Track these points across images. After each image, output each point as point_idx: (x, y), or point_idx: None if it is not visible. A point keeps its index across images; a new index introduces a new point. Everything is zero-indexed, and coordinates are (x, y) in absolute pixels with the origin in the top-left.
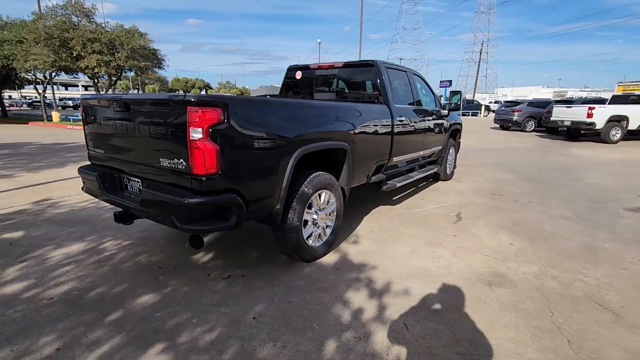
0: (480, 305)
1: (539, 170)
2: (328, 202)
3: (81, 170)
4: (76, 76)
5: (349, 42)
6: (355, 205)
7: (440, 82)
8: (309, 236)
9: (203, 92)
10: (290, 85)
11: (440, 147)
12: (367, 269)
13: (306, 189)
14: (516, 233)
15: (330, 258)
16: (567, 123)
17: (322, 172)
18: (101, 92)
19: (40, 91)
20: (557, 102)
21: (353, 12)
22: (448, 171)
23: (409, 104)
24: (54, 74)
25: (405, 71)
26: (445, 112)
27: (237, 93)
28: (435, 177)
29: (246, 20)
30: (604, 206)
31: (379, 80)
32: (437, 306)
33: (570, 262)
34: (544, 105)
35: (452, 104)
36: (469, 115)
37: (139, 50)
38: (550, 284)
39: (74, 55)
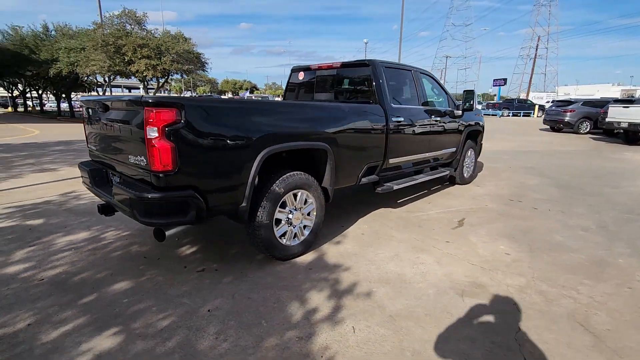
0: (443, 315)
1: (578, 175)
2: (306, 201)
3: (80, 165)
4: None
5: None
6: (354, 206)
7: (494, 80)
8: (283, 235)
9: (247, 94)
10: (293, 86)
11: (453, 149)
12: (338, 271)
13: (277, 188)
14: (518, 242)
15: (306, 258)
16: (624, 125)
17: (298, 172)
18: (147, 94)
19: (101, 93)
20: (616, 101)
21: (399, 11)
22: (466, 174)
23: (413, 104)
24: (111, 77)
25: (410, 70)
26: (459, 112)
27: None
28: (452, 181)
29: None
30: (637, 218)
31: (373, 80)
32: (395, 312)
33: (567, 277)
34: (602, 105)
35: (466, 105)
36: (520, 115)
37: (183, 54)
38: (532, 299)
39: (126, 60)
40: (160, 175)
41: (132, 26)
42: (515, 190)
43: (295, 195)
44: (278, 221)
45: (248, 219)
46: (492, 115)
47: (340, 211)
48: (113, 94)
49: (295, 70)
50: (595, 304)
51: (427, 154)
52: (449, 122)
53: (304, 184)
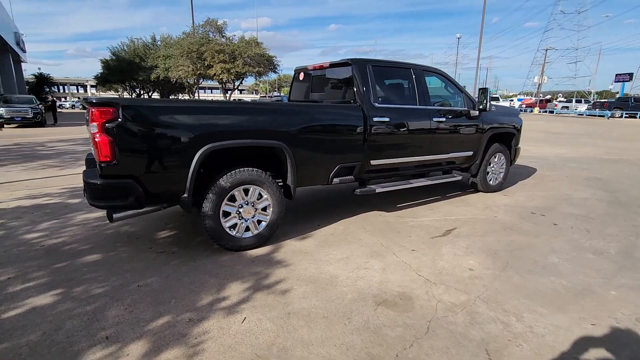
0: (340, 320)
1: None
2: (260, 197)
3: (86, 157)
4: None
5: (492, 35)
6: (346, 206)
7: (616, 75)
8: (233, 226)
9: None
10: (296, 86)
11: (469, 153)
12: (277, 266)
13: (223, 183)
14: (496, 259)
15: (258, 251)
16: None
17: (248, 169)
18: (225, 95)
19: (191, 95)
20: None
21: (500, 1)
22: (492, 182)
23: (409, 104)
24: (196, 80)
25: (410, 68)
26: (476, 112)
27: None
28: (476, 187)
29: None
30: None
31: (354, 80)
32: (295, 311)
33: (520, 302)
34: None
35: (481, 105)
36: (637, 117)
37: (254, 57)
38: (455, 319)
39: (206, 64)
40: (103, 165)
41: (214, 34)
42: (549, 202)
43: (246, 191)
44: (227, 213)
45: (198, 209)
46: (599, 116)
47: (330, 210)
48: (200, 95)
49: (297, 70)
50: (530, 335)
51: (429, 157)
52: (462, 123)
53: (254, 180)
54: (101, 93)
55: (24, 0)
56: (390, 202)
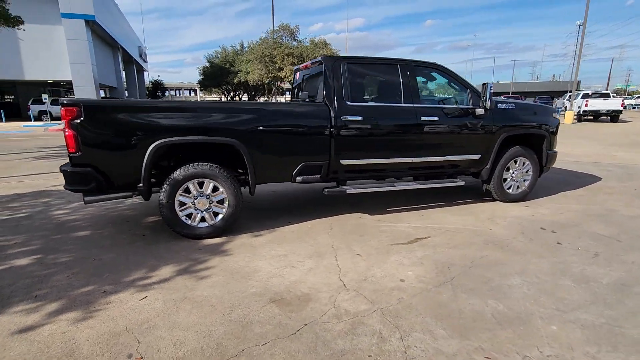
0: (222, 309)
1: None
2: (215, 190)
3: None
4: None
5: (625, 20)
6: (336, 206)
7: None
8: (189, 215)
9: None
10: (297, 86)
11: (476, 156)
12: (215, 256)
13: (177, 175)
14: (441, 274)
15: (213, 240)
16: None
17: (202, 163)
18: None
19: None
20: None
21: None
22: (512, 190)
23: (391, 102)
24: (269, 82)
25: (397, 64)
26: (481, 111)
27: None
28: (491, 195)
29: (484, 12)
30: None
31: (324, 78)
32: (193, 296)
33: (423, 320)
34: None
35: (483, 102)
36: None
37: None
38: (332, 326)
39: (277, 67)
40: (70, 155)
41: (287, 38)
42: (577, 218)
43: (200, 184)
44: (183, 203)
45: (148, 197)
46: None
47: (318, 208)
48: (278, 97)
49: (295, 70)
50: (398, 355)
51: (421, 159)
52: (463, 122)
53: (207, 174)
54: (206, 96)
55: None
56: (382, 205)
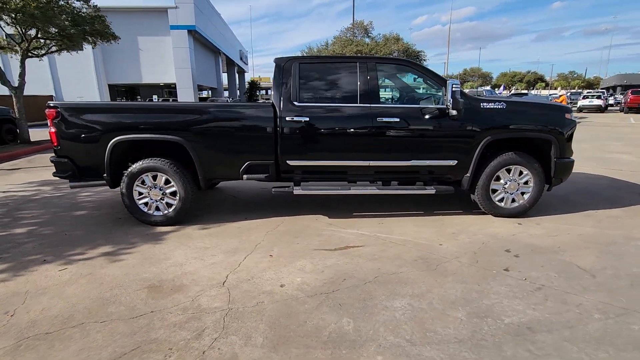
0: (99, 285)
1: None
2: (167, 183)
3: None
4: None
5: None
6: (307, 206)
7: None
8: (146, 204)
9: (502, 90)
10: None
11: (450, 162)
12: (151, 242)
13: (133, 169)
14: (328, 284)
15: (165, 229)
16: None
17: (155, 158)
18: None
19: None
20: None
21: None
22: (505, 203)
23: (344, 102)
24: None
25: (356, 62)
26: (454, 112)
27: (579, 85)
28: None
29: None
30: None
31: (274, 79)
32: (94, 272)
33: (250, 326)
34: None
35: (448, 102)
36: None
37: (391, 54)
38: (150, 318)
39: None
40: (54, 148)
41: (361, 35)
42: (570, 244)
43: (154, 177)
44: (140, 193)
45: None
46: None
47: (289, 207)
48: None
49: None
50: (195, 352)
51: (382, 163)
52: (432, 124)
53: (159, 168)
54: None
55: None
56: (351, 210)
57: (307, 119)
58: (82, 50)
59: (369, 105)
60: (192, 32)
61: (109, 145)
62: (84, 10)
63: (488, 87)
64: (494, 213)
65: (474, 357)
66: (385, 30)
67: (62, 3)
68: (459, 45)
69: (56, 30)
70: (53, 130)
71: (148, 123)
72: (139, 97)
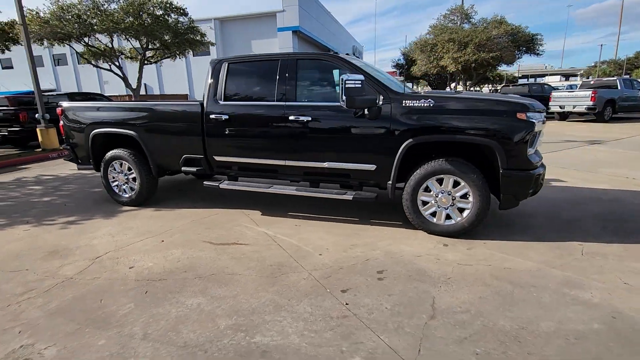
0: (15, 246)
1: None
2: (130, 170)
3: None
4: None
5: None
6: (260, 201)
7: None
8: (116, 187)
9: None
10: None
11: (369, 166)
12: (102, 217)
13: (106, 157)
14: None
15: (130, 209)
16: None
17: (120, 149)
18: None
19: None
20: None
21: None
22: (437, 219)
23: (262, 100)
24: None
25: (279, 60)
26: (380, 105)
27: None
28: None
29: None
30: None
31: (206, 78)
32: (31, 236)
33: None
34: None
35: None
36: None
37: (491, 39)
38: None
39: (437, 56)
40: (64, 137)
41: (461, 22)
42: (484, 276)
43: (121, 164)
44: (113, 177)
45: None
46: None
47: (245, 199)
48: (507, 85)
49: None
50: None
51: (301, 163)
52: (347, 124)
53: (121, 157)
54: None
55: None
56: (287, 210)
57: (227, 116)
58: (180, 58)
59: (282, 103)
60: (297, 32)
61: (89, 136)
62: (181, 21)
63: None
64: (426, 229)
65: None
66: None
67: (167, 18)
68: (629, 22)
69: (158, 43)
70: (61, 124)
71: (115, 119)
72: None
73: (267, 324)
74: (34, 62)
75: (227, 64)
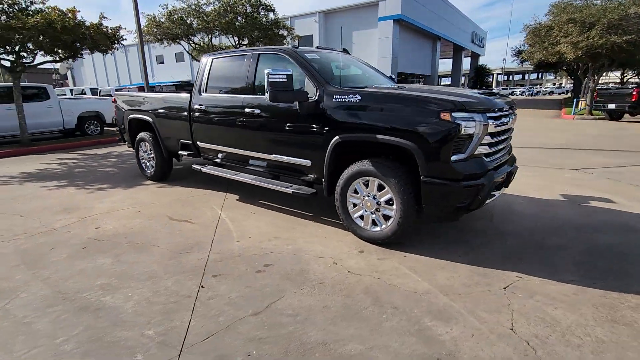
0: (37, 203)
1: None
2: (150, 150)
3: None
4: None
5: None
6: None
7: None
8: (144, 164)
9: None
10: None
11: (305, 162)
12: (122, 187)
13: (137, 138)
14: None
15: (150, 182)
16: None
17: (144, 132)
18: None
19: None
20: None
21: None
22: (365, 223)
23: (229, 92)
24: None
25: (246, 55)
26: (310, 105)
27: None
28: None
29: None
30: None
31: (196, 72)
32: (19, 195)
33: None
34: None
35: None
36: None
37: (628, 18)
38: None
39: (552, 41)
40: (115, 122)
41: None
42: (355, 287)
43: (145, 145)
44: (141, 155)
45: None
46: None
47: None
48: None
49: None
50: None
51: (257, 154)
52: (285, 117)
53: (145, 138)
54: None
55: None
56: (258, 197)
57: (204, 107)
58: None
59: (241, 96)
60: (399, 21)
61: (127, 120)
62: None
63: None
64: (354, 233)
65: None
66: None
67: (255, 16)
68: None
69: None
70: (115, 112)
71: (141, 107)
72: None
73: (126, 289)
74: (145, 59)
75: (211, 59)
